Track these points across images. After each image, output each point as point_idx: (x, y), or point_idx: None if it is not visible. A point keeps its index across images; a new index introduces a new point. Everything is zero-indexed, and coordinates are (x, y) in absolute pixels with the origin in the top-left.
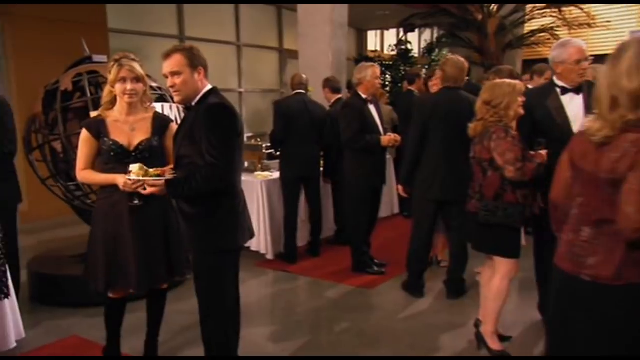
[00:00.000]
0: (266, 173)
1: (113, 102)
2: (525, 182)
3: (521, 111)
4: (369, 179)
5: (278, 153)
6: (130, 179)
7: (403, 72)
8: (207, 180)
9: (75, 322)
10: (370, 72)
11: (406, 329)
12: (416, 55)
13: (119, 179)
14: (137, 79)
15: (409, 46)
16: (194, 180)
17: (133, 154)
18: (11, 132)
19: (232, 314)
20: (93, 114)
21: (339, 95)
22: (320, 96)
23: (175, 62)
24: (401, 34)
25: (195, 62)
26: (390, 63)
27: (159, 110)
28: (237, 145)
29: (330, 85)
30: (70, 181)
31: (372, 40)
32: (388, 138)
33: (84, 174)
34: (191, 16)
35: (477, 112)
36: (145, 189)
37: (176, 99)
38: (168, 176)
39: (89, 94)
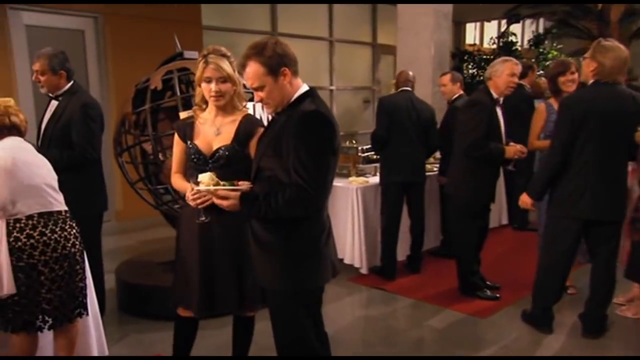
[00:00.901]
0: (362, 179)
1: (206, 101)
2: None
3: None
4: (479, 194)
5: (377, 156)
6: (197, 190)
7: None
8: (289, 203)
9: (161, 337)
10: (505, 68)
11: None
12: (520, 48)
13: (188, 190)
14: (224, 79)
15: (512, 38)
16: (273, 199)
17: (210, 161)
18: (96, 138)
19: (312, 354)
20: (182, 114)
21: (461, 92)
22: (419, 94)
23: (252, 75)
24: (503, 25)
25: (274, 66)
26: (491, 57)
27: (251, 110)
28: (331, 166)
29: (461, 80)
30: (159, 184)
31: (470, 33)
32: (514, 149)
33: (174, 178)
34: (284, 12)
35: None
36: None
37: (267, 111)
38: (243, 187)
39: (178, 93)
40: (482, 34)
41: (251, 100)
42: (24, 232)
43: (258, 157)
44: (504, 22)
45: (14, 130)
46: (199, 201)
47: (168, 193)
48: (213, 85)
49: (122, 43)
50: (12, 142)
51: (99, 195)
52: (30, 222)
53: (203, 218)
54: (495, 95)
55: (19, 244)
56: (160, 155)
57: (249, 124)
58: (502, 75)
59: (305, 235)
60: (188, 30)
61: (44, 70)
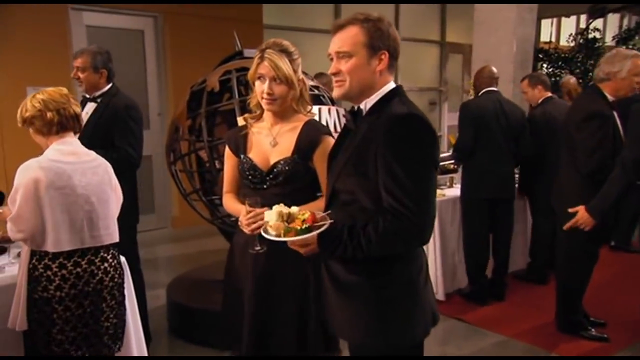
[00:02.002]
0: (437, 191)
1: (262, 106)
2: None
3: None
4: (608, 220)
5: (453, 166)
6: (250, 211)
7: (589, 67)
8: (386, 239)
9: None
10: (630, 66)
11: None
12: (605, 44)
13: (242, 213)
14: (280, 79)
15: (596, 35)
16: (363, 236)
17: (267, 177)
18: (139, 143)
19: None
20: (241, 119)
21: (547, 94)
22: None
23: (346, 37)
24: (582, 21)
25: (377, 42)
26: (570, 56)
27: (316, 114)
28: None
29: (542, 80)
30: (214, 195)
31: (545, 29)
32: None
33: (226, 199)
34: (348, 10)
35: None
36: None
37: (335, 92)
38: (321, 216)
39: (237, 95)
40: (559, 30)
41: (316, 103)
42: (42, 262)
43: (332, 177)
44: (582, 17)
45: (77, 122)
46: (254, 226)
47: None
48: (265, 86)
49: (181, 43)
50: (59, 155)
51: (132, 207)
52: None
53: (258, 248)
54: (610, 99)
55: (36, 273)
56: (216, 163)
57: (312, 131)
58: (628, 76)
59: (400, 276)
60: (249, 29)
61: (85, 67)
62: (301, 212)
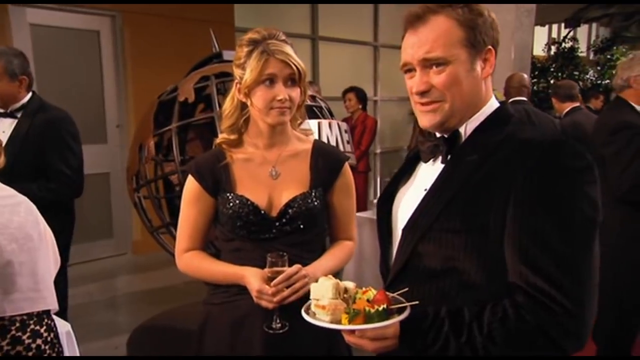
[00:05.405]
0: None
1: (242, 124)
2: None
3: None
4: None
5: None
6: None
7: (565, 77)
8: (520, 338)
9: None
10: None
11: None
12: (580, 54)
13: (250, 278)
14: (295, 79)
15: (573, 44)
16: (479, 330)
17: (277, 224)
18: (78, 161)
19: None
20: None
21: (574, 104)
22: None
23: (434, 34)
24: (554, 31)
25: (480, 37)
26: (546, 66)
27: (315, 131)
28: (597, 249)
29: (562, 91)
30: None
31: None
32: None
33: (188, 260)
34: (325, 13)
35: None
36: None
37: (426, 120)
38: (392, 296)
39: (217, 106)
40: (532, 39)
41: (309, 116)
42: None
43: (411, 236)
44: (554, 27)
45: None
46: (285, 294)
47: None
48: (280, 90)
49: (143, 46)
50: None
51: (64, 247)
52: None
53: (279, 325)
54: (638, 108)
55: None
56: None
57: (329, 155)
58: None
59: None
60: (220, 31)
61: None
62: (362, 290)
